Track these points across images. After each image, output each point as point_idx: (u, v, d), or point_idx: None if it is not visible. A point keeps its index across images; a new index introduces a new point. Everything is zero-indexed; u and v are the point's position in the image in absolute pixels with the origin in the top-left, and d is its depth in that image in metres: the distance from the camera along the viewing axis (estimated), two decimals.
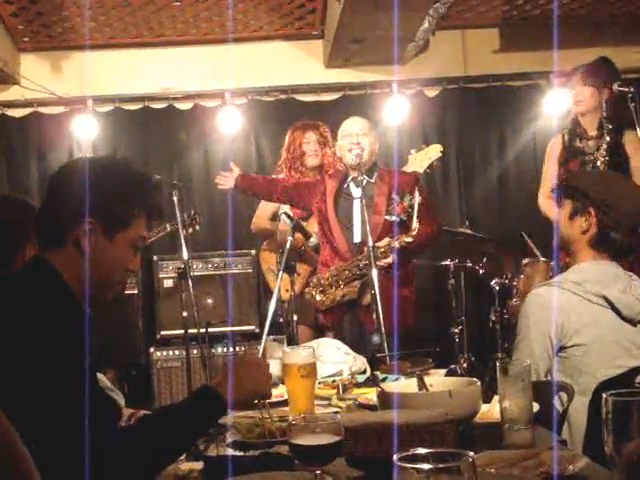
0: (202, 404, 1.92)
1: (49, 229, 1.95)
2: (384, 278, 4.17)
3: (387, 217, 4.30)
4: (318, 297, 4.38)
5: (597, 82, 4.49)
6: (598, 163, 4.45)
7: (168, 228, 5.25)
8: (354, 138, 4.42)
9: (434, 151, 4.52)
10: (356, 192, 4.43)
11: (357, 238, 4.40)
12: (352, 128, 4.50)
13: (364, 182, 4.38)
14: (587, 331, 2.60)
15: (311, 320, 4.58)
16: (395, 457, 1.06)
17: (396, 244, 4.18)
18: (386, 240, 4.23)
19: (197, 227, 5.41)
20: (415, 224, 4.12)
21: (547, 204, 4.58)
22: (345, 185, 4.50)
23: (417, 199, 4.17)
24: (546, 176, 4.68)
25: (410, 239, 4.14)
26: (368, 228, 4.04)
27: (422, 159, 4.48)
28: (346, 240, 4.41)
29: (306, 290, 4.47)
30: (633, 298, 2.64)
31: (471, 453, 1.06)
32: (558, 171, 4.51)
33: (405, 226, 4.23)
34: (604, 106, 4.48)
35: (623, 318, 2.62)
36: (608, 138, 4.47)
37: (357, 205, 4.38)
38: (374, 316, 3.91)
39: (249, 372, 2.02)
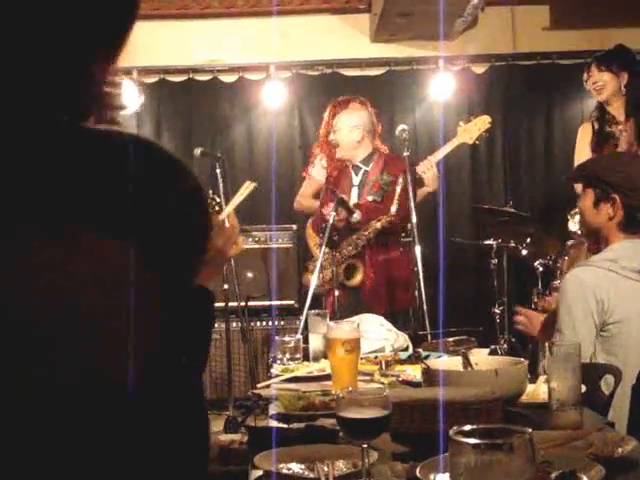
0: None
1: None
2: (380, 259, 4.42)
3: (368, 197, 4.41)
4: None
5: (613, 67, 4.50)
6: (627, 146, 4.45)
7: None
8: (353, 130, 4.65)
9: (482, 122, 4.50)
10: (355, 179, 4.63)
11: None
12: (351, 120, 4.70)
13: (361, 171, 4.62)
14: (627, 306, 2.61)
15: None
16: (451, 431, 1.04)
17: (377, 225, 4.34)
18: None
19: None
20: (393, 208, 4.19)
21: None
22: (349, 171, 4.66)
23: (399, 184, 4.21)
24: (578, 162, 4.64)
25: (379, 224, 4.26)
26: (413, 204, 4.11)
27: (471, 130, 4.47)
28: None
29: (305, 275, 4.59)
30: None
31: (528, 429, 1.05)
32: (591, 157, 4.49)
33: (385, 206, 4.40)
34: (623, 90, 4.47)
35: None
36: (635, 121, 4.47)
37: (355, 193, 4.59)
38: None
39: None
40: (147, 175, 0.87)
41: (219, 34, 6.13)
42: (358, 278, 4.47)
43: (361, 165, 4.62)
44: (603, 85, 4.51)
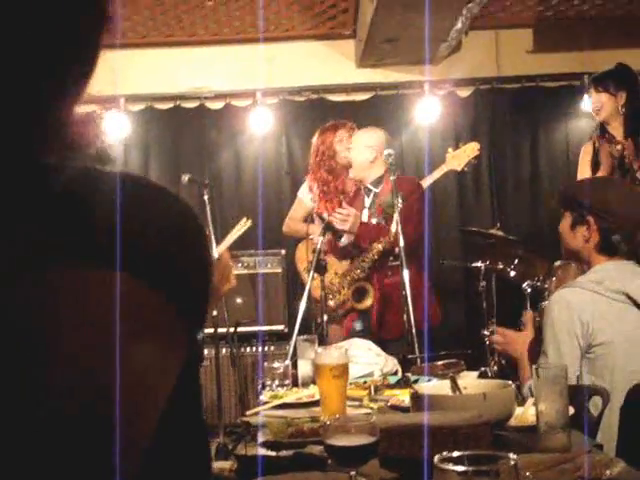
0: None
1: None
2: (387, 282, 4.42)
3: (372, 220, 4.45)
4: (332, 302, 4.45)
5: (610, 88, 4.50)
6: (625, 166, 4.45)
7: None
8: (375, 152, 4.55)
9: (471, 149, 4.51)
10: (367, 201, 4.60)
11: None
12: (379, 141, 4.60)
13: (372, 193, 4.57)
14: (612, 329, 2.61)
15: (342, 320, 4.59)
16: (435, 459, 1.04)
17: (379, 246, 4.32)
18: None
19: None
20: (393, 228, 4.20)
21: None
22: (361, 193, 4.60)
23: (399, 205, 4.22)
24: None
25: (380, 246, 4.26)
26: None
27: (460, 157, 4.48)
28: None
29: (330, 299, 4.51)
30: None
31: (513, 455, 1.05)
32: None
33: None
34: (621, 110, 4.48)
35: None
36: (633, 141, 4.47)
37: (365, 214, 4.56)
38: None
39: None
40: (146, 211, 0.83)
41: (205, 61, 6.17)
42: (368, 302, 4.45)
43: (371, 187, 4.58)
44: (600, 106, 4.50)
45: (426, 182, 5.02)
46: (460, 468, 1.04)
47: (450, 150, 4.51)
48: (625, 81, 4.51)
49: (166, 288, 0.78)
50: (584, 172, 4.62)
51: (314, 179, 5.09)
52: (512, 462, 1.04)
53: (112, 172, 0.82)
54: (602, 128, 4.62)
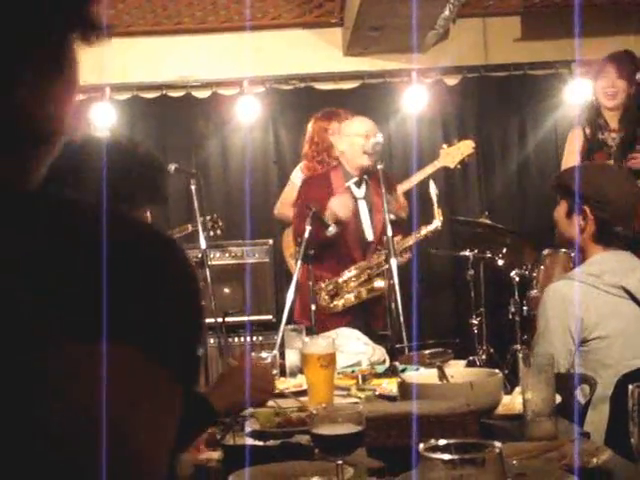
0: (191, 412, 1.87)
1: None
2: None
3: (386, 216, 4.32)
4: (336, 302, 4.37)
5: (629, 75, 4.42)
6: (619, 156, 4.41)
7: (190, 229, 5.17)
8: (372, 139, 4.42)
9: (466, 147, 4.44)
10: (358, 192, 4.45)
11: (370, 237, 4.41)
12: (370, 128, 4.50)
13: (363, 183, 4.45)
14: (608, 323, 2.58)
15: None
16: (421, 447, 1.04)
17: (413, 239, 4.21)
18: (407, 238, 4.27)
19: (218, 231, 5.32)
20: (437, 216, 4.14)
21: None
22: (347, 185, 4.49)
23: (434, 190, 4.16)
24: (565, 167, 4.59)
25: (433, 227, 4.18)
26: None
27: (454, 154, 4.42)
28: (358, 240, 4.42)
29: (323, 298, 4.42)
30: None
31: (498, 443, 1.04)
32: (580, 164, 4.45)
33: (397, 225, 4.29)
34: (628, 100, 4.42)
35: None
36: (628, 131, 4.43)
37: (363, 205, 4.40)
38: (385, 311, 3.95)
39: (243, 381, 2.00)
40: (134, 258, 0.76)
41: (191, 50, 6.13)
42: (382, 283, 4.42)
43: (365, 177, 4.49)
44: (616, 92, 4.40)
45: (418, 177, 4.99)
46: (446, 456, 1.03)
47: (445, 146, 4.46)
48: (636, 71, 4.41)
49: (161, 355, 0.75)
50: (571, 158, 4.57)
51: (306, 167, 5.07)
52: (497, 450, 1.03)
53: (92, 212, 0.77)
54: (595, 112, 4.55)
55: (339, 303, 4.37)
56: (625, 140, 4.42)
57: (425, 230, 4.24)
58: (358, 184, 4.49)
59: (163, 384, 0.75)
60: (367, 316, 4.42)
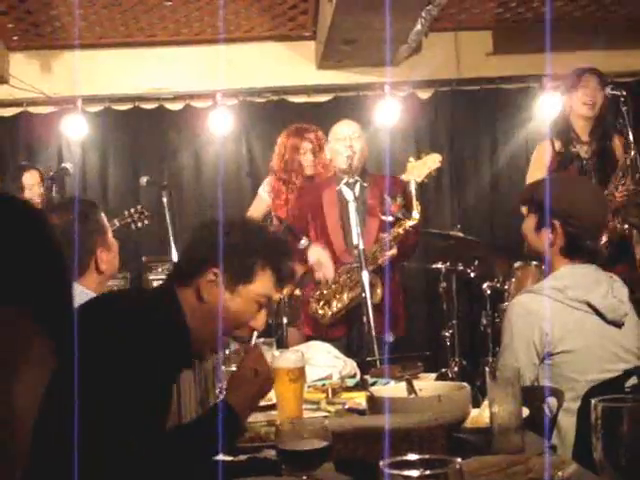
0: (215, 422, 1.86)
1: (182, 269, 2.04)
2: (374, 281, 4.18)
3: (384, 217, 4.28)
4: (321, 311, 4.33)
5: (609, 87, 4.47)
6: (590, 167, 4.43)
7: (117, 224, 5.09)
8: (347, 141, 4.41)
9: (433, 160, 4.42)
10: (349, 195, 4.41)
11: (356, 240, 4.35)
12: (345, 131, 4.49)
13: (357, 186, 4.36)
14: (572, 338, 2.58)
15: (301, 323, 4.55)
16: (382, 463, 1.04)
17: (389, 237, 4.17)
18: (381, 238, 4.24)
19: (146, 221, 5.30)
20: (415, 209, 4.13)
21: None
22: (338, 189, 4.47)
23: (413, 185, 4.15)
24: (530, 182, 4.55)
25: (412, 222, 4.16)
26: (360, 230, 4.05)
27: (420, 168, 4.39)
28: (345, 244, 4.39)
29: (312, 308, 4.38)
30: (616, 300, 2.63)
31: (458, 459, 1.04)
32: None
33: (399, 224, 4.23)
34: (599, 111, 4.47)
35: (607, 322, 2.61)
36: (599, 143, 4.46)
37: (352, 208, 4.36)
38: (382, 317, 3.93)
39: (256, 382, 1.99)
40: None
41: (164, 62, 6.12)
42: (379, 294, 4.40)
43: (358, 178, 4.42)
44: (595, 102, 4.43)
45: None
46: (406, 473, 1.03)
47: (412, 160, 4.43)
48: (605, 83, 4.47)
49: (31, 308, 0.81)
50: (537, 173, 4.54)
51: (275, 180, 5.06)
52: (457, 466, 1.03)
53: None
54: (566, 125, 4.56)
55: (327, 312, 4.33)
56: (597, 152, 4.46)
57: (405, 224, 4.21)
58: (351, 186, 4.43)
59: (35, 339, 0.81)
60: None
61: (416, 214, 4.17)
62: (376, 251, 4.22)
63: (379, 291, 4.36)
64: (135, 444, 1.70)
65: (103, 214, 2.82)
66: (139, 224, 5.17)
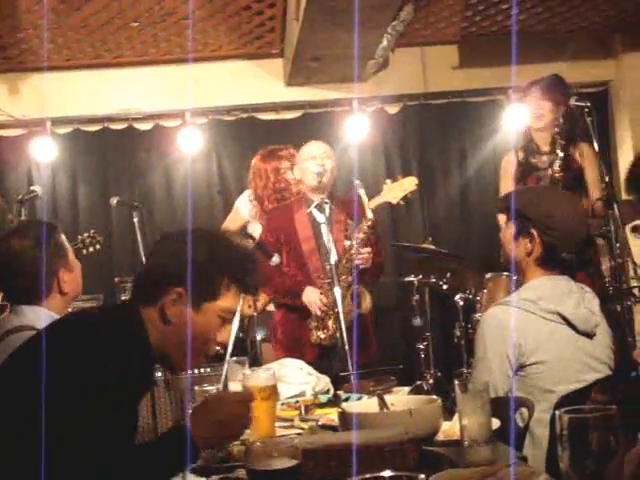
0: (173, 447, 1.84)
1: (144, 288, 1.99)
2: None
3: (346, 243, 4.29)
4: (323, 335, 4.31)
5: (555, 97, 4.54)
6: (551, 178, 4.48)
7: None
8: (318, 160, 4.42)
9: (409, 183, 4.45)
10: (320, 218, 4.43)
11: (332, 259, 4.34)
12: (316, 150, 4.51)
13: (327, 208, 4.38)
14: (545, 349, 2.60)
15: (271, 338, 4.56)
16: None
17: (355, 241, 4.20)
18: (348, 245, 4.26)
19: (98, 246, 5.26)
20: (367, 207, 4.16)
21: None
22: (308, 211, 4.48)
23: (359, 186, 4.19)
24: (502, 193, 4.56)
25: (369, 222, 4.19)
26: (334, 249, 4.10)
27: (396, 190, 4.41)
28: (321, 264, 4.39)
29: (313, 337, 4.35)
30: (587, 311, 2.66)
31: (422, 476, 1.05)
32: (515, 188, 4.49)
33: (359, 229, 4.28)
34: (559, 122, 4.53)
35: (579, 332, 2.63)
36: (561, 153, 4.51)
37: (325, 230, 4.39)
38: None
39: (222, 413, 1.91)
40: None
41: (133, 82, 6.12)
42: (368, 303, 4.40)
43: (327, 200, 4.42)
44: (542, 113, 4.52)
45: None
46: None
47: (388, 182, 4.45)
48: (565, 94, 4.54)
49: None
50: (507, 184, 4.63)
51: (258, 197, 5.01)
52: None
53: None
54: (528, 137, 4.63)
55: (328, 333, 4.31)
56: (556, 162, 4.51)
57: (365, 225, 4.24)
58: (320, 209, 4.43)
59: None
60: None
61: (370, 214, 4.21)
62: (347, 258, 4.24)
63: (368, 300, 4.39)
64: (95, 463, 1.69)
65: (63, 235, 2.81)
66: (90, 249, 5.10)
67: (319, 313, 4.25)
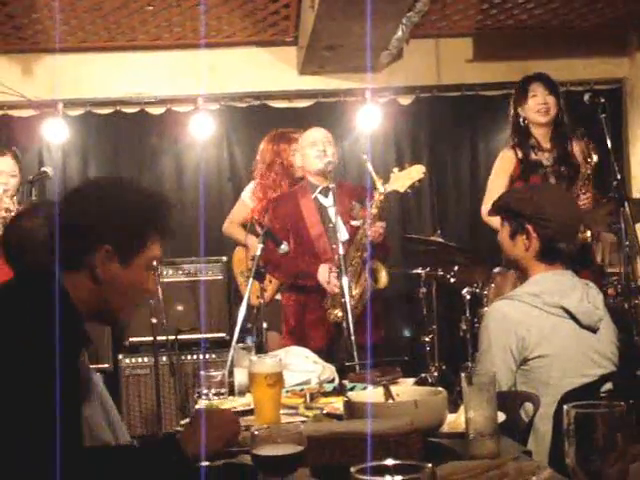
0: (163, 458, 1.84)
1: (65, 253, 1.89)
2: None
3: (353, 223, 4.32)
4: (341, 314, 4.29)
5: (558, 92, 4.52)
6: (558, 175, 4.44)
7: None
8: (320, 145, 4.43)
9: (417, 172, 4.43)
10: (326, 201, 4.43)
11: (344, 237, 4.33)
12: (317, 135, 4.52)
13: (330, 193, 4.37)
14: (548, 343, 2.61)
15: (281, 327, 4.56)
16: (352, 469, 1.04)
17: (373, 207, 4.21)
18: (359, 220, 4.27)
19: None
20: (378, 181, 4.17)
21: (494, 220, 4.50)
22: (314, 196, 4.48)
23: (367, 162, 4.20)
24: (493, 190, 4.44)
25: (381, 196, 4.19)
26: (342, 232, 4.10)
27: (404, 179, 4.40)
28: (330, 248, 4.38)
29: (330, 317, 4.34)
30: (590, 306, 2.67)
31: (429, 465, 1.05)
32: (517, 186, 4.41)
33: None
34: (559, 117, 4.50)
35: (583, 327, 2.64)
36: (560, 149, 4.48)
37: (332, 213, 4.38)
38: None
39: (215, 427, 1.92)
40: None
41: (146, 66, 6.11)
42: (384, 279, 4.39)
43: (331, 185, 4.35)
44: (549, 107, 4.47)
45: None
46: (379, 479, 1.04)
47: (395, 170, 4.44)
48: (559, 91, 4.55)
49: None
50: (499, 181, 4.52)
51: (261, 186, 5.02)
52: (428, 472, 1.04)
53: None
54: (526, 133, 4.57)
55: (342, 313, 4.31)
56: (558, 158, 4.48)
57: (377, 199, 4.23)
58: (325, 193, 4.45)
59: None
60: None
61: (381, 187, 4.21)
62: (361, 234, 4.25)
63: (384, 274, 4.38)
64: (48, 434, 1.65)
65: None
66: None
67: (337, 290, 4.21)
